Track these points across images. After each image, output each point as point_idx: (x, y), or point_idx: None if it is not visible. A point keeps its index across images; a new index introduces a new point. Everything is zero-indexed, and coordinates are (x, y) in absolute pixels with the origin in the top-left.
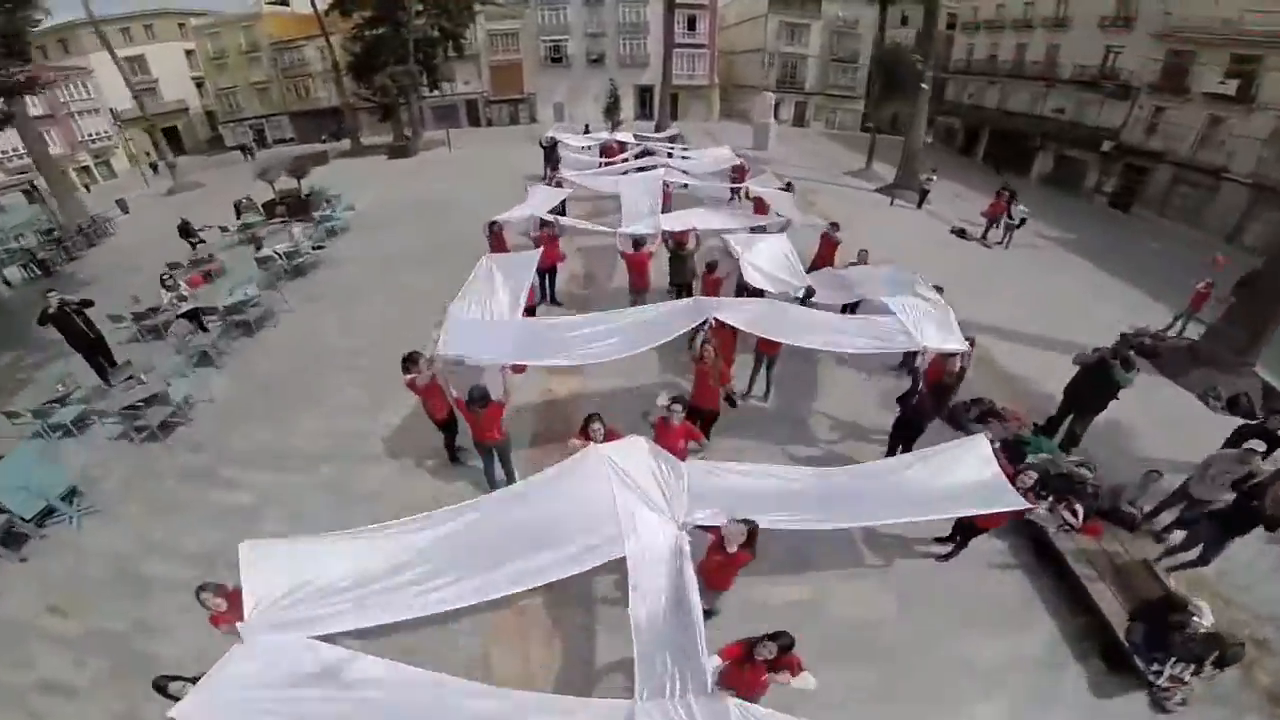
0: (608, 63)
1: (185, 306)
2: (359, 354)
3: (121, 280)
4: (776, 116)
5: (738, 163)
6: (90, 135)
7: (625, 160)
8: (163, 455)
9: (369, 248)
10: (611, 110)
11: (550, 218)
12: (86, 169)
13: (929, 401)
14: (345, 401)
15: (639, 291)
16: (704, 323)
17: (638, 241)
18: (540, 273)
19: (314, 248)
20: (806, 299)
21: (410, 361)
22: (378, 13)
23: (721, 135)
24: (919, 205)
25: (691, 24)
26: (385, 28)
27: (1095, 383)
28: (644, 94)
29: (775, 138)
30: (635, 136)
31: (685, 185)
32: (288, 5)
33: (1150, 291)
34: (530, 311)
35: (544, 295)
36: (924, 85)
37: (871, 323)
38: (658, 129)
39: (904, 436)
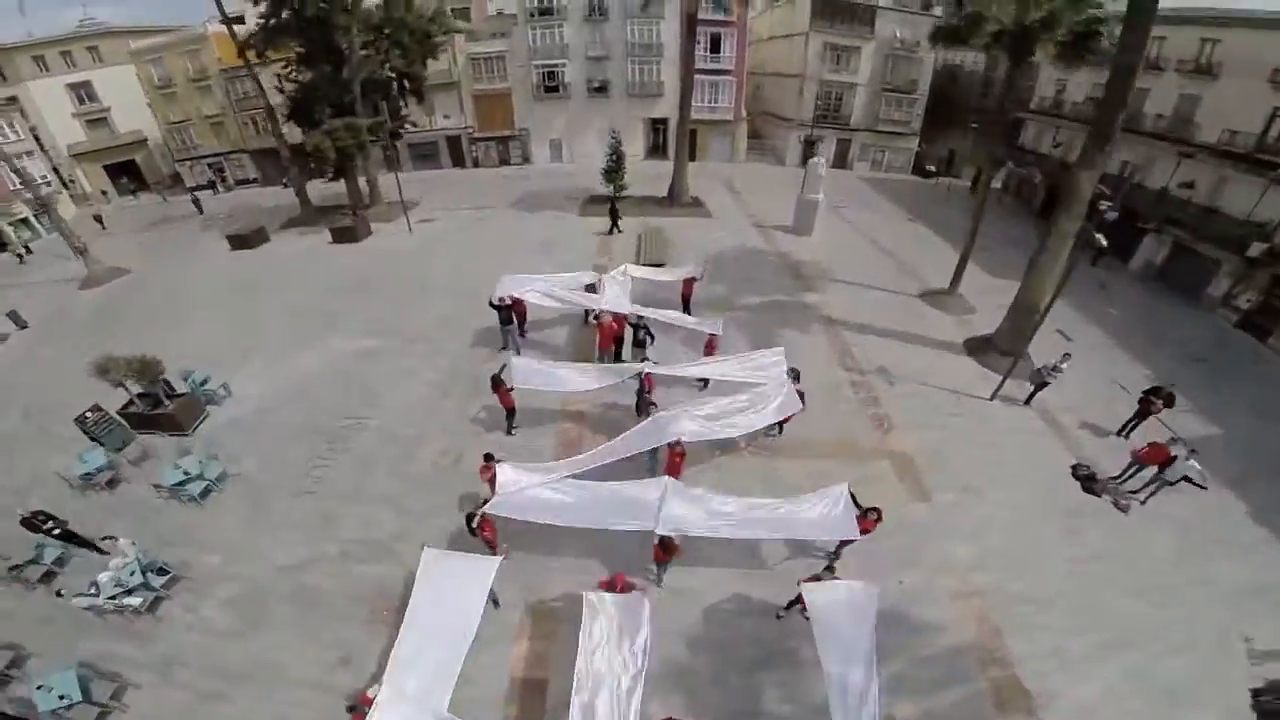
0: (613, 92)
1: None
2: None
3: None
4: (815, 154)
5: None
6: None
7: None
8: None
9: (243, 548)
10: (612, 173)
11: None
12: (25, 221)
13: None
14: None
15: None
16: None
17: None
18: None
19: (158, 570)
20: None
21: None
22: (309, 49)
23: (746, 183)
24: (1029, 399)
25: (715, 45)
26: (320, 68)
27: None
28: (657, 128)
29: (823, 216)
30: (635, 278)
31: (704, 384)
32: (243, 22)
33: None
34: None
35: None
36: (1100, 239)
37: None
38: (671, 194)
39: None
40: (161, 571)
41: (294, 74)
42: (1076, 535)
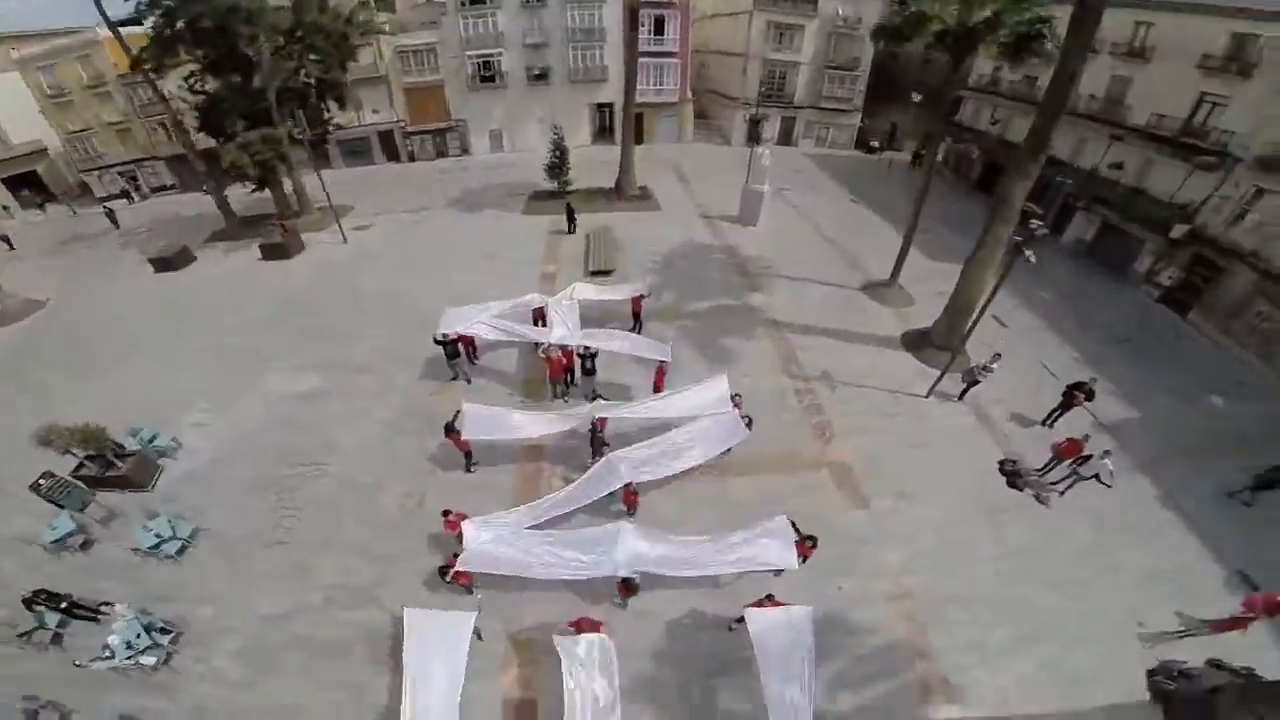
0: (555, 79)
1: None
2: None
3: None
4: (760, 138)
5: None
6: None
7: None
8: None
9: (231, 601)
10: (556, 169)
11: None
12: None
13: None
14: None
15: None
16: None
17: None
18: None
19: (160, 629)
20: None
21: None
22: (212, 58)
23: (693, 167)
24: (961, 395)
25: (659, 27)
26: (227, 78)
27: None
28: (602, 112)
29: (768, 206)
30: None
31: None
32: (140, 24)
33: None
34: None
35: None
36: (1030, 256)
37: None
38: (618, 187)
39: None
40: (164, 630)
41: (199, 85)
42: (1001, 531)
